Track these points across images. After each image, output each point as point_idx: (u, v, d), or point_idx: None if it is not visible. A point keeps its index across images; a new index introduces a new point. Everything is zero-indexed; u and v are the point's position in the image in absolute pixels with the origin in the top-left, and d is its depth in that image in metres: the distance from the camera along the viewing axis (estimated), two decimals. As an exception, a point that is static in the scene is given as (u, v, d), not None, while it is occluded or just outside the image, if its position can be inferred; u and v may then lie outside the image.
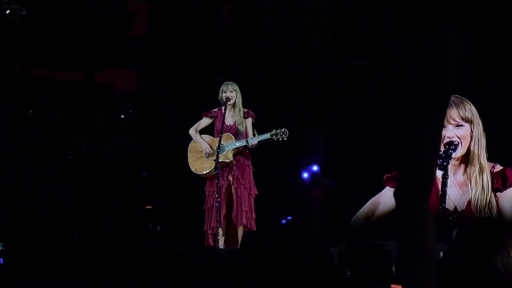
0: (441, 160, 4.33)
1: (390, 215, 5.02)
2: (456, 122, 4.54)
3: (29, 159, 10.70)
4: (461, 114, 4.52)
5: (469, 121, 4.53)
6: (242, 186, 6.77)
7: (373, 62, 12.22)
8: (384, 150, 11.95)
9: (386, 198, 4.93)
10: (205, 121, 7.08)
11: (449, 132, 4.58)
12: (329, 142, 12.39)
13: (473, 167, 4.53)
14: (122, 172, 11.46)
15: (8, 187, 9.90)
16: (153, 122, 12.61)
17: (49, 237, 7.86)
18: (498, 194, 4.57)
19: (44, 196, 9.96)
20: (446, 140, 4.55)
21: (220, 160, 6.62)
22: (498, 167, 4.56)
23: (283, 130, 6.69)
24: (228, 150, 6.73)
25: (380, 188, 8.70)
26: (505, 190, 4.52)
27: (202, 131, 7.10)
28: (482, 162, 4.54)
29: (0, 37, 11.11)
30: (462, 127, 4.55)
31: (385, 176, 4.89)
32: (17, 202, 9.57)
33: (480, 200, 4.48)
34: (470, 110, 4.57)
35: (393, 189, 4.78)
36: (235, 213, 6.74)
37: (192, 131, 7.07)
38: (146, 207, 10.17)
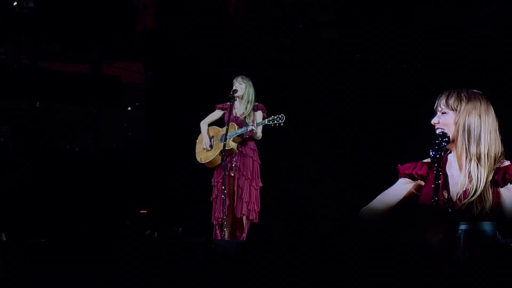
0: (433, 153, 4.30)
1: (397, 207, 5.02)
2: (441, 109, 4.53)
3: (36, 151, 10.74)
4: (447, 102, 4.52)
5: (454, 109, 4.50)
6: (243, 177, 6.83)
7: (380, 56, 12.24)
8: (388, 142, 12.00)
9: (395, 188, 4.94)
10: (217, 113, 7.19)
11: (434, 119, 4.59)
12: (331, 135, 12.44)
13: (463, 157, 4.50)
14: (129, 165, 11.49)
15: (15, 179, 9.93)
16: (161, 115, 12.63)
17: (50, 230, 7.89)
18: (501, 189, 4.51)
19: (51, 189, 9.99)
20: (439, 131, 4.53)
21: (221, 149, 6.71)
22: (507, 163, 4.51)
23: (280, 116, 6.75)
24: (229, 138, 6.77)
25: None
26: (505, 185, 4.46)
27: (215, 123, 7.18)
28: (474, 152, 4.47)
29: (8, 29, 11.14)
30: (445, 115, 4.52)
31: (398, 167, 4.90)
32: (22, 194, 9.60)
33: (470, 193, 4.44)
34: (457, 98, 4.55)
35: (404, 179, 4.81)
36: (236, 203, 6.79)
37: (201, 123, 7.17)
38: (141, 211, 10.12)
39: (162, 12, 12.47)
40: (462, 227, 6.06)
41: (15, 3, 11.11)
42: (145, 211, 9.99)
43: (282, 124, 6.77)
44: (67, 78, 11.80)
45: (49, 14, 11.31)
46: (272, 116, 6.80)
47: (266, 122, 6.79)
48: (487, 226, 5.84)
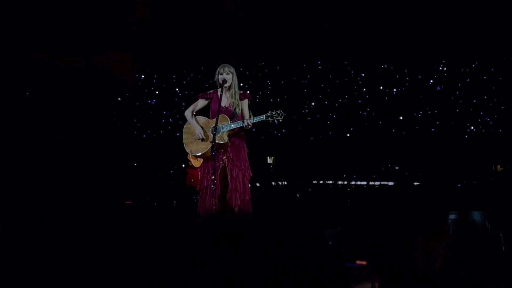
0: None
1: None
2: None
3: (27, 143, 10.71)
4: None
5: None
6: (237, 168, 6.75)
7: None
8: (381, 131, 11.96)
9: None
10: (201, 103, 7.05)
11: None
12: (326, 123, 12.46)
13: None
14: (119, 155, 11.46)
15: (7, 171, 9.90)
16: (151, 106, 12.59)
17: (43, 220, 7.86)
18: None
19: (42, 180, 9.97)
20: None
21: (215, 142, 6.61)
22: None
23: (278, 112, 6.68)
24: (224, 132, 6.69)
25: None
26: None
27: (197, 113, 7.08)
28: None
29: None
30: None
31: None
32: (15, 186, 9.58)
33: None
34: None
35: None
36: (229, 194, 6.72)
37: (187, 113, 7.04)
38: (126, 202, 10.07)
39: (155, 2, 12.41)
40: (452, 216, 6.06)
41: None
42: (130, 202, 9.97)
43: (280, 121, 6.71)
44: (57, 69, 11.75)
45: (39, 5, 11.26)
46: (270, 112, 6.69)
47: (264, 118, 6.69)
48: (476, 215, 5.85)
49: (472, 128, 11.84)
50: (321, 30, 12.46)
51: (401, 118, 12.05)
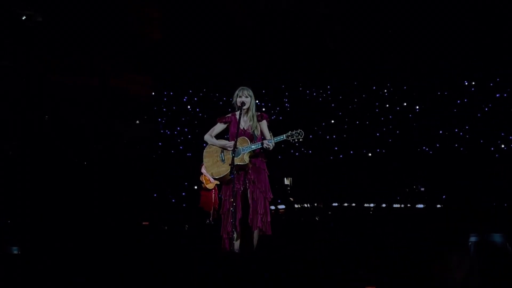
0: None
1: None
2: None
3: (45, 163, 10.77)
4: None
5: None
6: (258, 190, 6.72)
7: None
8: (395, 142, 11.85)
9: None
10: (219, 127, 7.05)
11: None
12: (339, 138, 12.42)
13: None
14: (136, 177, 11.47)
15: (23, 191, 9.95)
16: (168, 127, 12.64)
17: (58, 240, 7.89)
18: None
19: (58, 200, 10.01)
20: None
21: (236, 164, 6.56)
22: None
23: (298, 131, 6.65)
24: (244, 153, 6.67)
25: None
26: None
27: (216, 137, 7.08)
28: None
29: (17, 43, 11.22)
30: None
31: None
32: (31, 206, 9.62)
33: None
34: None
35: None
36: (250, 216, 6.68)
37: (207, 137, 7.03)
38: (143, 223, 10.05)
39: (168, 25, 12.51)
40: (472, 239, 6.03)
41: (24, 17, 11.20)
42: (147, 223, 9.96)
43: (301, 140, 6.70)
44: (76, 91, 11.85)
45: (58, 28, 11.39)
46: (290, 132, 6.65)
47: (285, 138, 6.66)
48: (497, 237, 5.80)
49: (503, 146, 11.55)
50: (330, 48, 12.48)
51: (425, 137, 11.87)
